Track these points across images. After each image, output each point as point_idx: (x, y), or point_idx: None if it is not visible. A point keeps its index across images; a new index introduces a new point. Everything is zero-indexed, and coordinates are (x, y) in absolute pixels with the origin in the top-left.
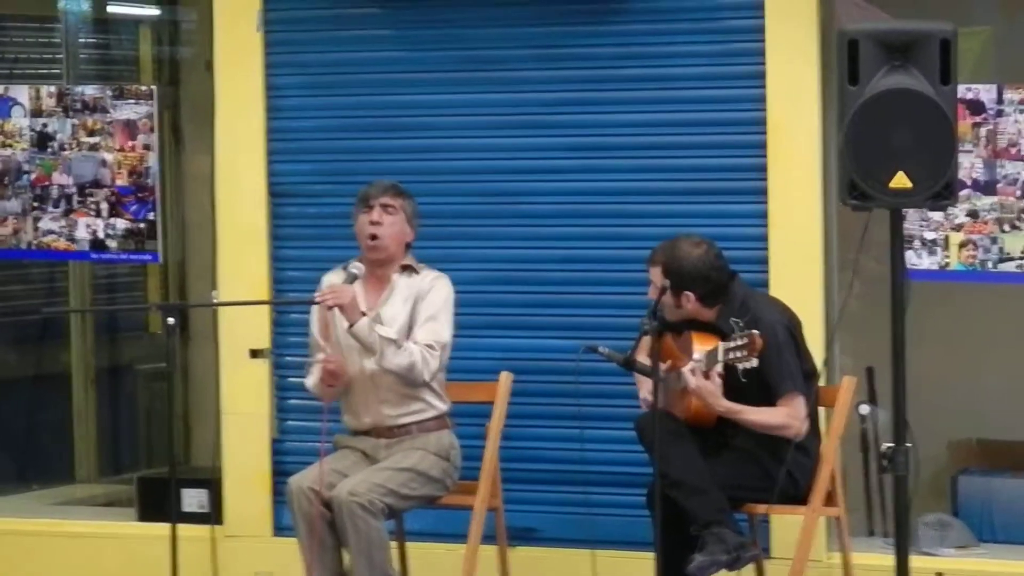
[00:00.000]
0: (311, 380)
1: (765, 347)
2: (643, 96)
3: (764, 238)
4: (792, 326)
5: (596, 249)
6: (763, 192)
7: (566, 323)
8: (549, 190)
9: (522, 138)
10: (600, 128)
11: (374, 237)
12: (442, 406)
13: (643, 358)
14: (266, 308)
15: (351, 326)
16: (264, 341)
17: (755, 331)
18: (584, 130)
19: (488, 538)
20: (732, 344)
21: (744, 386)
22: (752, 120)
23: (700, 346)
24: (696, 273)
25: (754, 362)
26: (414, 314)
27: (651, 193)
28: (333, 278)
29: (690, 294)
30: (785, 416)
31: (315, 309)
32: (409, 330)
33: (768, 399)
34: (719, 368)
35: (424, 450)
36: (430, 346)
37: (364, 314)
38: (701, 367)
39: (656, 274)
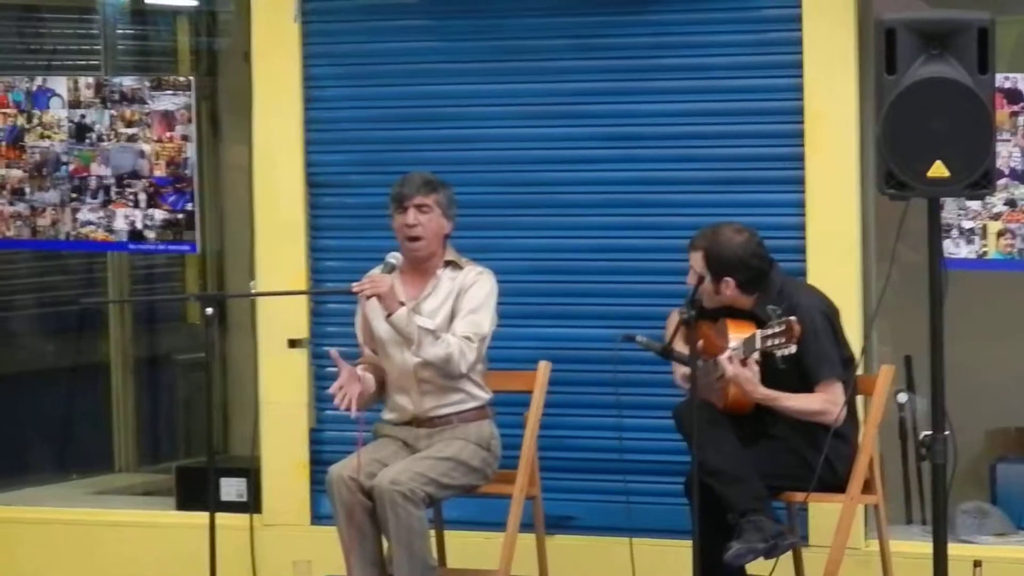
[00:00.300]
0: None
1: (803, 334)
2: (679, 86)
3: (802, 227)
4: (829, 313)
5: (633, 239)
6: (800, 181)
7: (603, 312)
8: (586, 179)
9: (558, 128)
10: (636, 117)
11: (412, 239)
12: (483, 396)
13: (680, 347)
14: (304, 298)
15: (388, 315)
16: (303, 331)
17: (792, 318)
18: (620, 119)
19: (526, 526)
20: (769, 331)
21: (782, 373)
22: (789, 110)
23: (736, 333)
24: (737, 260)
25: (792, 349)
26: (456, 308)
27: (688, 183)
28: (374, 272)
29: (730, 280)
30: (822, 402)
31: (359, 311)
32: (450, 325)
33: (806, 386)
34: (756, 356)
35: (465, 440)
36: (468, 338)
37: (402, 304)
38: (738, 354)
39: (697, 260)
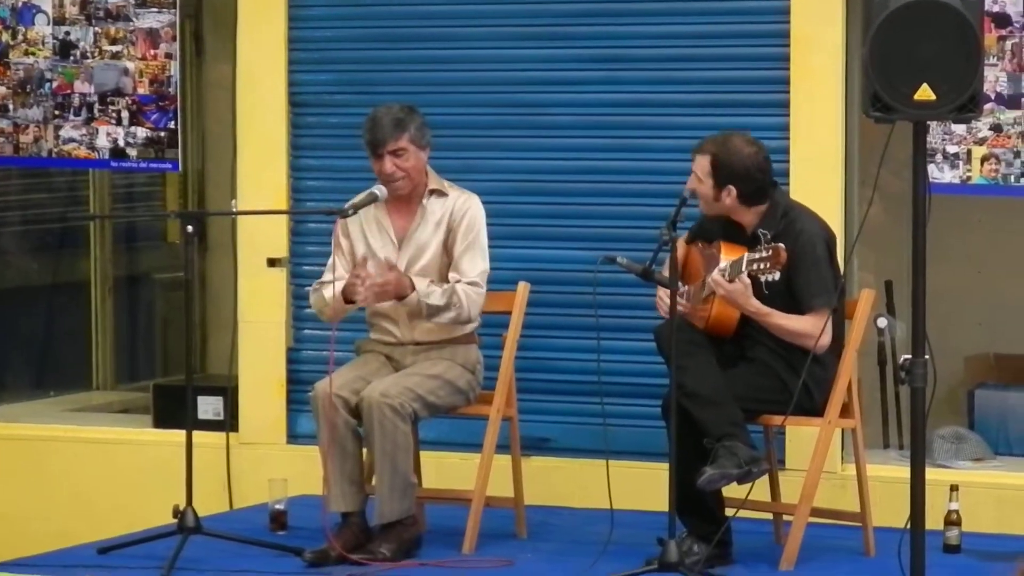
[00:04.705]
0: (323, 295)
1: (795, 260)
2: (665, 7)
3: (786, 151)
4: (830, 241)
5: (615, 161)
6: (785, 105)
7: (584, 234)
8: (568, 101)
9: (542, 49)
10: (621, 40)
11: (392, 180)
12: (470, 326)
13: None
14: (284, 217)
15: (401, 299)
16: (282, 250)
17: (780, 244)
18: (605, 41)
19: (502, 447)
20: (757, 255)
21: (766, 298)
22: (775, 32)
23: (728, 257)
24: (744, 170)
25: (776, 275)
26: (449, 241)
27: (672, 105)
28: (355, 200)
29: (732, 189)
30: (812, 326)
31: (335, 235)
32: (443, 255)
33: (792, 312)
34: (744, 277)
35: (451, 360)
36: (474, 283)
37: (413, 287)
38: (726, 275)
39: (701, 164)
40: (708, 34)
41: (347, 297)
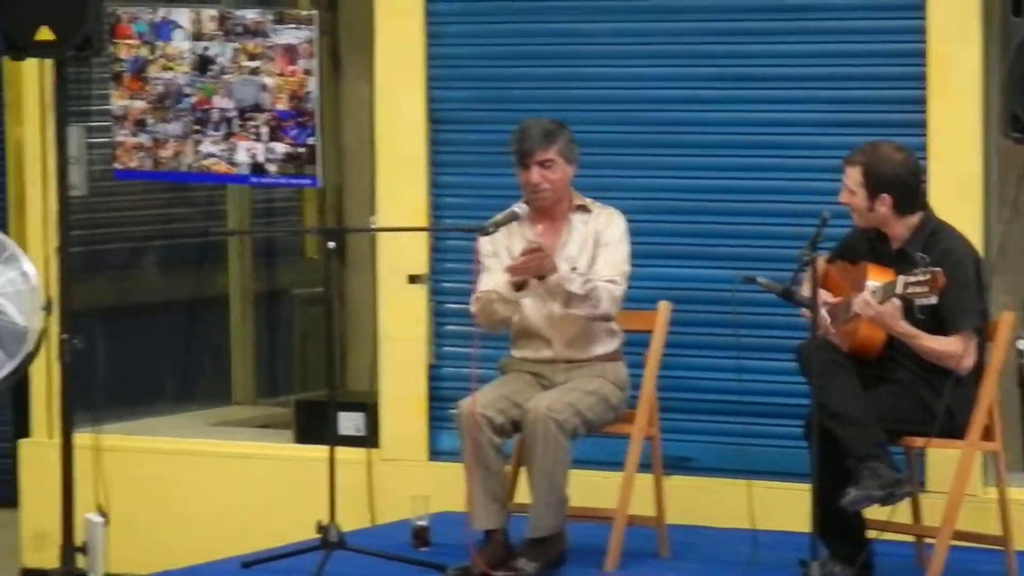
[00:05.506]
0: (487, 295)
1: (949, 283)
2: (801, 26)
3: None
4: (979, 262)
5: (753, 180)
6: (922, 125)
7: (725, 253)
8: (706, 120)
9: (680, 67)
10: (757, 59)
11: (538, 190)
12: (618, 339)
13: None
14: (424, 234)
15: (543, 278)
16: (422, 267)
17: (938, 269)
18: (741, 60)
19: (644, 467)
20: (914, 279)
21: (919, 323)
22: (912, 52)
23: (875, 279)
24: (896, 176)
25: (933, 300)
26: (594, 256)
27: (809, 124)
28: (496, 218)
29: (886, 197)
30: (957, 347)
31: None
32: (590, 271)
33: (934, 331)
34: (895, 302)
35: (603, 377)
36: (613, 281)
37: (555, 269)
38: (877, 297)
39: (853, 175)
40: (844, 53)
41: (517, 284)
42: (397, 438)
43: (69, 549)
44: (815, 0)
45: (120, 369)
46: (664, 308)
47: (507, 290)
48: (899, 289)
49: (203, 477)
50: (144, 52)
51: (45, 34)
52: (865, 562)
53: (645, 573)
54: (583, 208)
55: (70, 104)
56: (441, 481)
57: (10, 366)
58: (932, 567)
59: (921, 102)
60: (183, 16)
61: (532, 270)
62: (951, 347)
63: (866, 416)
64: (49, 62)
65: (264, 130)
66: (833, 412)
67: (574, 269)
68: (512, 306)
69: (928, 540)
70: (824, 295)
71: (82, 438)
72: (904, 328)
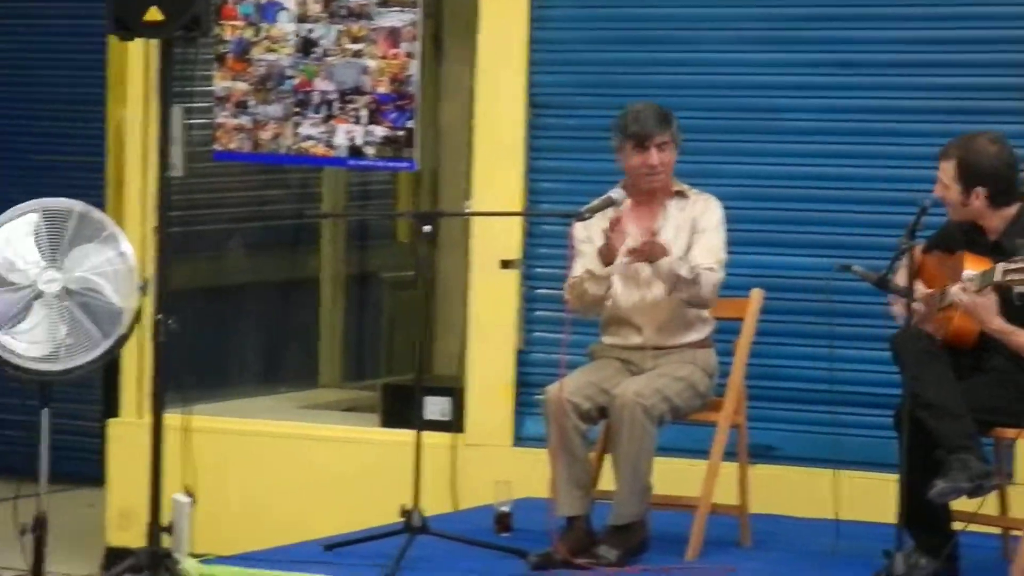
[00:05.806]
0: (580, 278)
1: None
2: (900, 12)
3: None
4: None
5: (850, 167)
6: (1022, 113)
7: (819, 241)
8: (803, 106)
9: (779, 53)
10: (856, 44)
11: (655, 172)
12: (710, 326)
13: (902, 281)
14: (519, 219)
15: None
16: (515, 252)
17: None
18: (843, 46)
19: (728, 454)
20: (1013, 265)
21: (1016, 310)
22: (1012, 39)
23: (972, 268)
24: (991, 169)
25: None
26: (691, 243)
27: (908, 111)
28: (592, 204)
29: (981, 190)
30: None
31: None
32: (687, 256)
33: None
34: (992, 296)
35: (694, 364)
36: (711, 268)
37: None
38: (973, 285)
39: (947, 169)
40: (944, 39)
41: (607, 259)
42: (482, 423)
43: (155, 528)
44: None
45: (210, 350)
46: (756, 295)
47: (597, 266)
48: (997, 276)
49: (289, 460)
50: (248, 34)
51: (154, 14)
52: (951, 554)
53: (726, 562)
54: (680, 194)
55: (174, 85)
56: (525, 467)
57: (104, 345)
58: (1018, 560)
59: (1021, 89)
60: None
61: (652, 254)
62: None
63: (959, 407)
64: (155, 42)
65: (364, 113)
66: (926, 402)
67: (680, 258)
68: (603, 283)
69: (1015, 532)
70: (918, 287)
71: (171, 418)
72: (999, 325)
